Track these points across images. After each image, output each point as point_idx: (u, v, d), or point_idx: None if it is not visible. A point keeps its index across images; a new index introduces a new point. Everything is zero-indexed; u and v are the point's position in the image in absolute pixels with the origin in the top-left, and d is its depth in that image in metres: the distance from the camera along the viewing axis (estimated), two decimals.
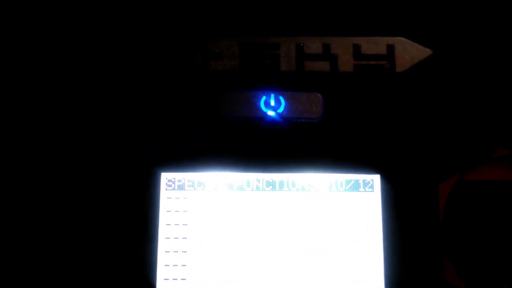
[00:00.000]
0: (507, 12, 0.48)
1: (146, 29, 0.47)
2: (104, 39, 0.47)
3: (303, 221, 0.45)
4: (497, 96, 0.47)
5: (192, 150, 0.46)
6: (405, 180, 0.45)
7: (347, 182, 0.45)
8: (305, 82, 0.47)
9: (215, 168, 0.45)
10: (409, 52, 0.47)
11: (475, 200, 0.45)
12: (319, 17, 0.49)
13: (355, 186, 0.45)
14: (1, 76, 0.47)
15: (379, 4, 0.49)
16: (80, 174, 0.45)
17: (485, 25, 0.48)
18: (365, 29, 0.48)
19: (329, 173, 0.45)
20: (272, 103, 0.45)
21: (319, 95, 0.46)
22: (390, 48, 0.47)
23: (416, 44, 0.47)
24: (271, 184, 0.45)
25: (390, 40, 0.47)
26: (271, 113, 0.45)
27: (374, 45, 0.47)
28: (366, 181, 0.45)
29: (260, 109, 0.45)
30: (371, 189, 0.45)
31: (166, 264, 0.44)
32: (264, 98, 0.45)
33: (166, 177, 0.45)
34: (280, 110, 0.45)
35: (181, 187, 0.45)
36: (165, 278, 0.44)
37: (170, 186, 0.45)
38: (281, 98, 0.45)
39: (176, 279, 0.44)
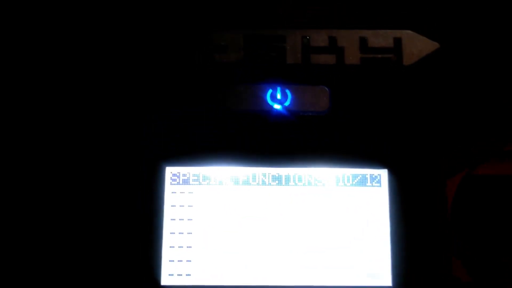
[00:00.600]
0: None
1: (151, 21, 0.47)
2: (108, 33, 0.46)
3: (309, 216, 0.44)
4: (507, 90, 0.46)
5: (197, 144, 0.45)
6: (413, 175, 0.45)
7: (354, 176, 0.45)
8: (311, 75, 0.46)
9: (220, 162, 0.45)
10: (416, 45, 0.47)
11: (483, 195, 0.45)
12: (326, 10, 0.48)
13: (362, 181, 0.45)
14: (2, 76, 0.46)
15: None
16: (85, 169, 0.44)
17: (493, 19, 0.47)
18: (372, 22, 0.48)
19: (336, 167, 0.45)
20: (279, 96, 0.45)
21: (326, 88, 0.45)
22: (397, 41, 0.47)
23: (424, 37, 0.47)
24: (277, 179, 0.45)
25: (397, 33, 0.47)
26: (277, 106, 0.45)
27: (381, 38, 0.47)
28: (373, 176, 0.45)
29: (267, 103, 0.45)
30: (378, 184, 0.45)
31: (171, 259, 0.44)
32: (270, 91, 0.45)
33: (170, 171, 0.45)
34: (287, 103, 0.45)
35: (186, 182, 0.45)
36: (170, 273, 0.43)
37: (174, 180, 0.45)
38: (287, 91, 0.45)
39: (181, 275, 0.43)
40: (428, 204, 0.44)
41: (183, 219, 0.44)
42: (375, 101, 0.46)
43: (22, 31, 0.47)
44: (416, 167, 0.45)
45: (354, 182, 0.45)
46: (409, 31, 0.47)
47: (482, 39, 0.47)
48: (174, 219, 0.44)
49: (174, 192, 0.44)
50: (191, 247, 0.44)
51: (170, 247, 0.44)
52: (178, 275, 0.43)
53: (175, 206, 0.44)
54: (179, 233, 0.44)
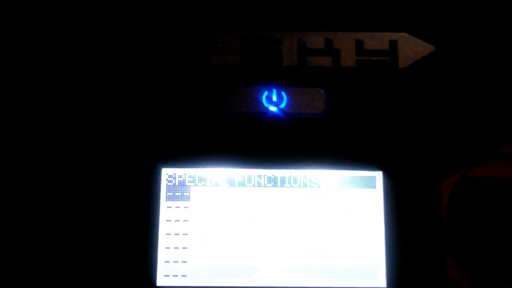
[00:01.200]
0: (510, 8, 0.47)
1: (148, 24, 0.47)
2: (105, 35, 0.46)
3: (304, 217, 0.44)
4: (501, 93, 0.46)
5: (193, 146, 0.45)
6: (408, 177, 0.45)
7: (349, 178, 0.45)
8: (307, 77, 0.46)
9: (216, 164, 0.45)
10: (412, 48, 0.47)
11: (477, 197, 0.45)
12: (322, 12, 0.48)
13: (357, 183, 0.45)
14: (3, 76, 0.46)
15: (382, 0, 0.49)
16: (81, 170, 0.44)
17: (488, 21, 0.47)
18: (368, 25, 0.48)
19: (331, 169, 0.45)
20: (274, 98, 0.45)
21: (322, 90, 0.45)
22: (393, 44, 0.47)
23: (419, 40, 0.47)
24: (273, 180, 0.45)
25: (393, 35, 0.47)
26: (273, 108, 0.45)
27: (376, 40, 0.47)
28: (368, 178, 0.45)
29: (262, 105, 0.45)
30: (373, 186, 0.45)
31: (166, 260, 0.44)
32: (266, 93, 0.45)
33: (166, 173, 0.45)
34: (283, 105, 0.45)
35: (181, 183, 0.45)
36: (166, 274, 0.44)
37: (170, 181, 0.45)
38: (283, 93, 0.45)
39: (177, 276, 0.43)
40: (423, 206, 0.44)
41: (178, 220, 0.44)
42: (371, 103, 0.46)
43: (22, 31, 0.47)
44: (411, 169, 0.45)
45: (349, 184, 0.45)
46: (404, 34, 0.47)
47: (477, 41, 0.47)
48: (170, 220, 0.44)
49: (170, 194, 0.45)
50: (186, 248, 0.44)
51: (166, 248, 0.44)
52: (173, 276, 0.44)
53: (171, 207, 0.44)
54: (175, 234, 0.44)
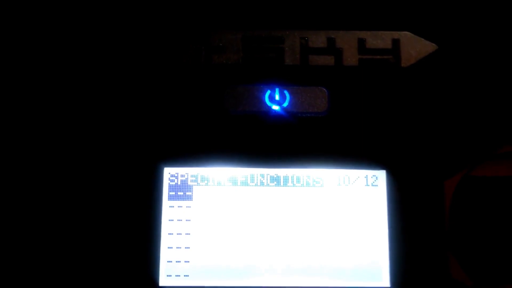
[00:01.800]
0: None
1: (148, 23, 0.47)
2: (106, 35, 0.46)
3: (307, 217, 0.44)
4: (504, 92, 0.46)
5: (195, 145, 0.45)
6: (411, 176, 0.45)
7: (352, 177, 0.45)
8: (309, 76, 0.46)
9: (218, 163, 0.45)
10: (415, 46, 0.47)
11: (481, 196, 0.45)
12: (324, 11, 0.48)
13: (360, 182, 0.45)
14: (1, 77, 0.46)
15: None
16: (83, 170, 0.44)
17: (491, 20, 0.47)
18: (370, 23, 0.48)
19: (334, 168, 0.45)
20: (277, 97, 0.45)
21: (324, 89, 0.45)
22: (396, 42, 0.47)
23: (422, 38, 0.47)
24: (276, 180, 0.45)
25: (396, 34, 0.47)
26: (275, 107, 0.45)
27: (379, 39, 0.47)
28: (371, 177, 0.45)
29: (265, 104, 0.45)
30: (376, 185, 0.45)
31: (169, 260, 0.43)
32: (268, 92, 0.45)
33: (169, 172, 0.45)
34: (285, 104, 0.45)
35: (184, 182, 0.45)
36: (168, 274, 0.43)
37: (173, 181, 0.44)
38: (286, 92, 0.45)
39: (179, 275, 0.43)
40: (426, 205, 0.44)
41: (181, 220, 0.44)
42: (374, 102, 0.46)
43: (21, 31, 0.47)
44: (414, 168, 0.45)
45: (352, 183, 0.45)
46: (407, 32, 0.47)
47: (481, 40, 0.47)
48: (172, 220, 0.44)
49: (172, 193, 0.44)
50: (189, 248, 0.44)
51: (168, 247, 0.44)
52: (176, 276, 0.43)
53: (173, 207, 0.44)
54: (177, 234, 0.44)
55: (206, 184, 0.45)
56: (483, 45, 0.47)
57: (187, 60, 0.46)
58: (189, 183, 0.44)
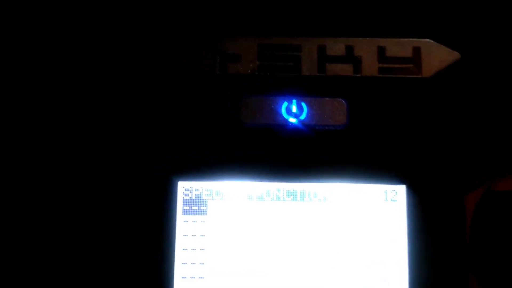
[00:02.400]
0: None
1: (162, 30, 0.45)
2: (117, 41, 0.45)
3: (324, 232, 0.43)
4: None
5: (210, 158, 0.44)
6: (432, 191, 0.43)
7: (371, 192, 0.44)
8: (327, 87, 0.45)
9: (233, 177, 0.44)
10: (436, 55, 0.45)
11: (503, 211, 0.44)
12: (342, 17, 0.47)
13: (380, 197, 0.44)
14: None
15: (405, 4, 0.47)
16: (97, 185, 0.43)
17: None
18: (390, 30, 0.46)
19: (353, 183, 0.44)
20: (294, 109, 0.43)
21: (343, 101, 0.44)
22: (416, 50, 0.45)
23: (444, 46, 0.45)
24: (292, 194, 0.44)
25: (416, 42, 0.45)
26: (293, 120, 0.43)
27: (399, 47, 0.45)
28: (390, 191, 0.44)
29: (282, 116, 0.43)
30: (395, 200, 0.44)
31: (183, 276, 0.43)
32: (285, 104, 0.43)
33: (183, 186, 0.44)
34: (303, 117, 0.43)
35: (198, 197, 0.43)
36: None
37: (187, 195, 0.43)
38: (303, 104, 0.43)
39: None
40: (447, 221, 0.43)
41: (195, 235, 0.43)
42: (393, 114, 0.45)
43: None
44: (434, 183, 0.43)
45: (371, 198, 0.44)
46: (428, 40, 0.45)
47: (504, 49, 0.45)
48: (187, 235, 0.43)
49: (186, 207, 0.43)
50: (203, 263, 0.43)
51: (183, 263, 0.43)
52: None
53: (187, 221, 0.43)
54: (192, 249, 0.43)
55: (221, 199, 0.43)
56: (508, 54, 0.45)
57: (202, 69, 0.44)
58: (204, 197, 0.43)
